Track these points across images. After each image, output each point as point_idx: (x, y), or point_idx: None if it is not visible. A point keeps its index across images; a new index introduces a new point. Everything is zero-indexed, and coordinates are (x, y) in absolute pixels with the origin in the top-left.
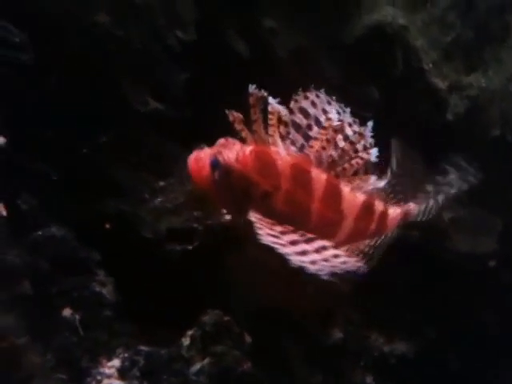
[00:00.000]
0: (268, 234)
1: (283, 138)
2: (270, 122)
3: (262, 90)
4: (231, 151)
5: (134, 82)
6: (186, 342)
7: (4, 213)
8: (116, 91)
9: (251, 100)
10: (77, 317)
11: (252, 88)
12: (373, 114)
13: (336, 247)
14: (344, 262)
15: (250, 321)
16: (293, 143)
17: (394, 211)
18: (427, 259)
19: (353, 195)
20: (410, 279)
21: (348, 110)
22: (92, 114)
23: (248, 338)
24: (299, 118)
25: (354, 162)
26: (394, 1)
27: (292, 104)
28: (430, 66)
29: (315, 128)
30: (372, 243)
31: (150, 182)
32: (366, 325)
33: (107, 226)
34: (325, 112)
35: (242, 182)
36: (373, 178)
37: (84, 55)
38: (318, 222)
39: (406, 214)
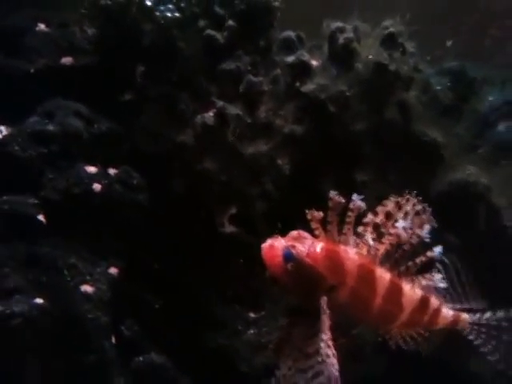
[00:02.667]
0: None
1: (359, 236)
2: (348, 220)
3: (342, 197)
4: (303, 245)
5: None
6: None
7: (113, 340)
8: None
9: (330, 203)
10: None
11: (333, 193)
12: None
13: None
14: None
15: None
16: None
17: (447, 312)
18: None
19: (412, 291)
20: None
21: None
22: (191, 247)
23: None
24: (381, 220)
25: (418, 260)
26: (472, 159)
27: (379, 208)
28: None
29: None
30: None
31: (243, 314)
32: None
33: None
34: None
35: (311, 275)
36: (437, 277)
37: (189, 194)
38: (377, 314)
39: (455, 321)
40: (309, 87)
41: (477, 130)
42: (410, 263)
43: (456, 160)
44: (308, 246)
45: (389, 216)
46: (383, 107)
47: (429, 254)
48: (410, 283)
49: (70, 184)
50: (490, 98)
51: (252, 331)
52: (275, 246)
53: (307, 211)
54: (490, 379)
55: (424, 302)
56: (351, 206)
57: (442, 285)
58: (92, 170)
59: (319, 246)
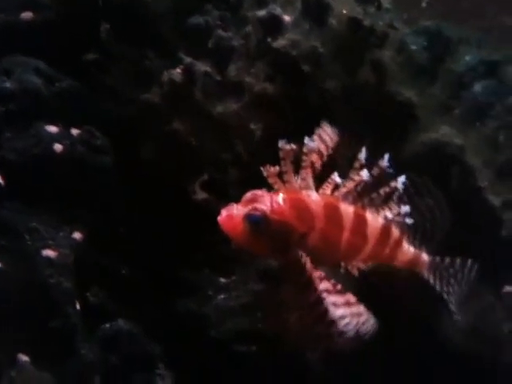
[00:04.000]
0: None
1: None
2: (304, 164)
3: (292, 144)
4: (263, 204)
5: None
6: None
7: (78, 306)
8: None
9: (281, 154)
10: None
11: (282, 143)
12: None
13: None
14: (365, 321)
15: None
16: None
17: (408, 248)
18: None
19: (375, 220)
20: None
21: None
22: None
23: None
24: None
25: (381, 191)
26: (447, 120)
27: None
28: (486, 183)
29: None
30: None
31: (214, 279)
32: None
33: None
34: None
35: (282, 230)
36: (404, 209)
37: (157, 156)
38: (346, 249)
39: (415, 259)
40: (280, 43)
41: (452, 90)
42: (373, 195)
43: (430, 121)
44: (269, 202)
45: (320, 154)
46: (357, 65)
47: (392, 184)
48: (374, 213)
49: (29, 144)
50: (467, 58)
51: (222, 296)
52: (233, 214)
53: (261, 168)
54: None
55: (385, 231)
56: (304, 149)
57: (409, 220)
58: (53, 129)
59: (281, 198)
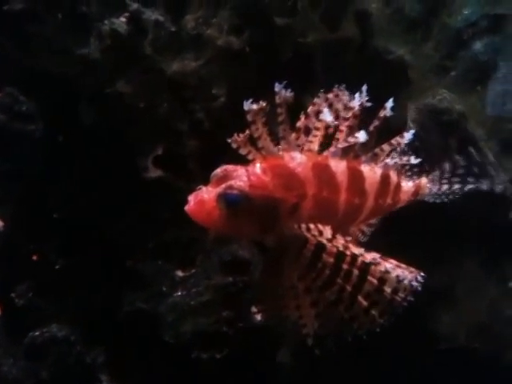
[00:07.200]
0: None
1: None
2: (280, 119)
3: (260, 102)
4: (239, 178)
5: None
6: None
7: None
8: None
9: (250, 117)
10: None
11: (247, 104)
12: None
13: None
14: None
15: None
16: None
17: (407, 185)
18: None
19: (372, 172)
20: None
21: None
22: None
23: None
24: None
25: (371, 127)
26: (443, 83)
27: (309, 108)
28: (492, 159)
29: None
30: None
31: (169, 271)
32: None
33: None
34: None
35: (267, 205)
36: (407, 136)
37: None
38: (345, 210)
39: (416, 190)
40: None
41: (448, 48)
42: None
43: (425, 83)
44: (245, 176)
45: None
46: (340, 18)
47: (381, 114)
48: (370, 162)
49: None
50: (465, 12)
51: (179, 293)
52: (204, 199)
53: (229, 140)
54: (464, 338)
55: (385, 181)
56: (277, 100)
57: (415, 160)
58: None
59: (259, 168)
